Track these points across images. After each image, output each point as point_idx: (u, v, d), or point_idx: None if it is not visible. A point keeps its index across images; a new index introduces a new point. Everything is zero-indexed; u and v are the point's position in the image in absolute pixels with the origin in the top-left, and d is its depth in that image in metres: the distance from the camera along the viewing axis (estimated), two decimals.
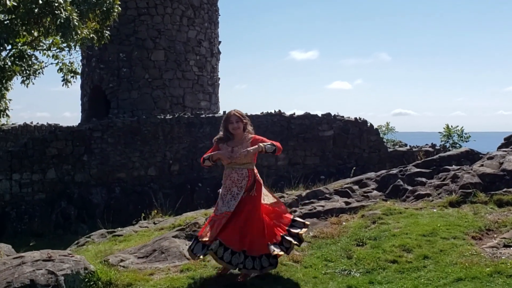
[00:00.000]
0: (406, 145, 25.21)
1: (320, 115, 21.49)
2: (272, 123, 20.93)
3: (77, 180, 19.26)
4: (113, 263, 7.04)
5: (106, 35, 12.56)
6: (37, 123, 27.19)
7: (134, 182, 19.76)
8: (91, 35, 11.74)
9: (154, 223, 10.94)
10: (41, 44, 14.14)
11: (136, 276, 6.55)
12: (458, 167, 9.75)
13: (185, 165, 20.32)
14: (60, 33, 10.42)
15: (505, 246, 6.95)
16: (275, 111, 21.33)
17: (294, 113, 21.42)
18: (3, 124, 26.26)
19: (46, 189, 18.88)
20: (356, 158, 21.32)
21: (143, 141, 20.00)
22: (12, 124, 26.73)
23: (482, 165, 9.50)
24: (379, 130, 28.18)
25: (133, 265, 7.12)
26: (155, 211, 11.92)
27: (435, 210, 8.42)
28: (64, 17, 10.00)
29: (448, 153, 11.12)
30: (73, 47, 12.90)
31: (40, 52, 14.56)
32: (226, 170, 6.60)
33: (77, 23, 10.20)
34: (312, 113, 21.57)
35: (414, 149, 21.87)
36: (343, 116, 21.93)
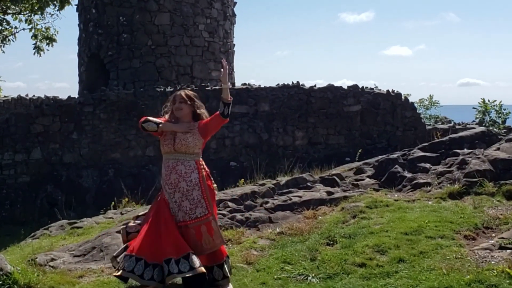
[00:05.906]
0: (450, 122, 24.63)
1: (345, 87, 21.04)
2: (289, 97, 20.53)
3: (66, 161, 19.20)
4: (40, 263, 6.95)
5: None
6: (33, 95, 27.02)
7: (130, 164, 19.62)
8: None
9: (122, 213, 10.82)
10: (12, 7, 14.01)
11: (61, 279, 6.44)
12: (470, 151, 9.30)
13: None
14: None
15: (501, 248, 6.57)
16: (293, 83, 20.91)
17: (315, 85, 20.99)
18: None
19: (30, 171, 18.84)
20: (388, 137, 20.85)
21: (140, 117, 19.65)
22: (5, 96, 26.81)
23: (498, 149, 9.05)
24: (421, 104, 27.58)
25: (64, 265, 7.01)
26: (126, 199, 11.78)
27: (430, 203, 8.07)
28: None
29: (460, 134, 10.67)
30: (35, 12, 12.67)
31: (12, 16, 14.46)
32: (167, 161, 6.32)
33: None
34: (336, 84, 21.18)
35: (457, 127, 21.29)
36: (372, 89, 21.43)
